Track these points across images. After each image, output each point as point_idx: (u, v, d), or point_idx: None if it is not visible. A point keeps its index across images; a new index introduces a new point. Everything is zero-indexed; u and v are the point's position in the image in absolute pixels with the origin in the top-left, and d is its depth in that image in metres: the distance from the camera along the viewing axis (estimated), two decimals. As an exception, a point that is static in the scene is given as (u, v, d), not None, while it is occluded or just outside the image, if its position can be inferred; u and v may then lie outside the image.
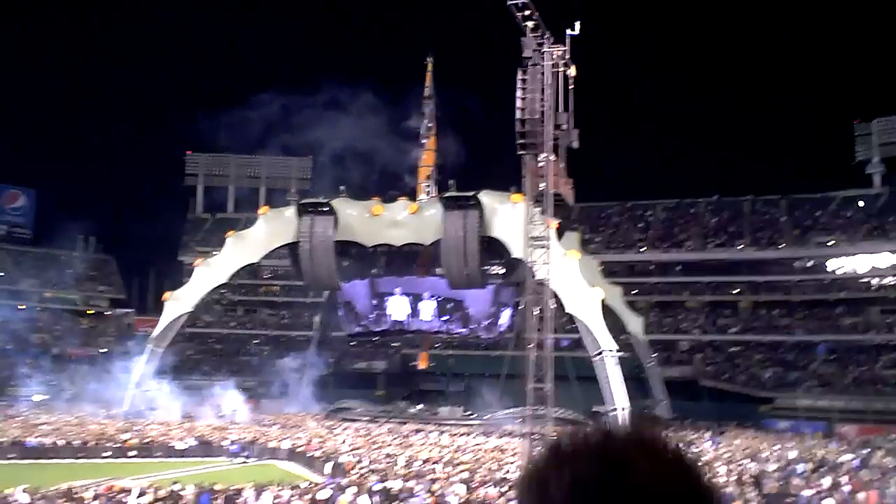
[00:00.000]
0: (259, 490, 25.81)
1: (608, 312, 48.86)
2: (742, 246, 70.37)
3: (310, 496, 24.63)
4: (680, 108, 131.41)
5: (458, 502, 24.54)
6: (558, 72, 31.92)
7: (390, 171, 70.87)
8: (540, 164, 29.56)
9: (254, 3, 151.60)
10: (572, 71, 32.49)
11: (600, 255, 64.96)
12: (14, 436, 41.09)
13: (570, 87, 32.54)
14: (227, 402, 55.45)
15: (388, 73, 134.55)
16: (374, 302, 59.86)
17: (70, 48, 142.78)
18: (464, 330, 58.77)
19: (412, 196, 60.79)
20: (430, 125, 67.18)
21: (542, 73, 31.17)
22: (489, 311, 57.62)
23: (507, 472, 31.52)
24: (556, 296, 39.87)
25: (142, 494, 25.10)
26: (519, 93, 31.55)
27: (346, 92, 72.69)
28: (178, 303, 55.67)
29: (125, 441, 41.72)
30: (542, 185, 28.78)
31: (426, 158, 66.78)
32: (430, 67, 68.78)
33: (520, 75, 32.03)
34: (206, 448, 41.54)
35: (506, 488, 27.79)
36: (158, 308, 63.48)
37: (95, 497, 24.53)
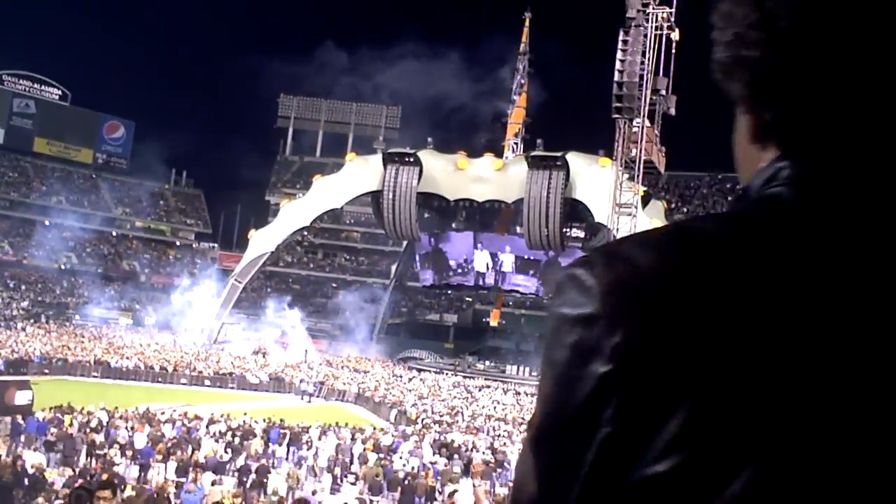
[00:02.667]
0: (324, 431, 26.32)
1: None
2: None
3: (373, 441, 24.98)
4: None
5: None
6: (661, 34, 30.84)
7: (479, 125, 70.50)
8: (634, 130, 28.71)
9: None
10: (676, 35, 31.35)
11: (685, 227, 63.33)
12: (99, 356, 42.89)
13: (673, 52, 31.50)
14: (301, 342, 56.69)
15: (484, 28, 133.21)
16: (453, 256, 59.93)
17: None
18: (539, 291, 58.44)
19: (499, 153, 60.30)
20: (522, 82, 66.33)
21: (645, 36, 30.15)
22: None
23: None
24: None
25: (213, 423, 25.90)
26: (619, 54, 30.61)
27: (440, 44, 72.43)
28: (262, 241, 56.79)
29: (201, 370, 43.13)
30: (633, 151, 27.97)
31: (516, 115, 66.04)
32: (527, 23, 67.69)
33: (622, 36, 31.05)
34: (277, 384, 42.62)
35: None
36: (242, 245, 65.10)
37: (169, 421, 25.41)
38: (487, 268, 59.00)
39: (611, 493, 0.70)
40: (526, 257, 57.23)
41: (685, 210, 73.05)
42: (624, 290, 0.71)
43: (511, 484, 0.73)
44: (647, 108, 29.30)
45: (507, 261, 58.31)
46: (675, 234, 0.76)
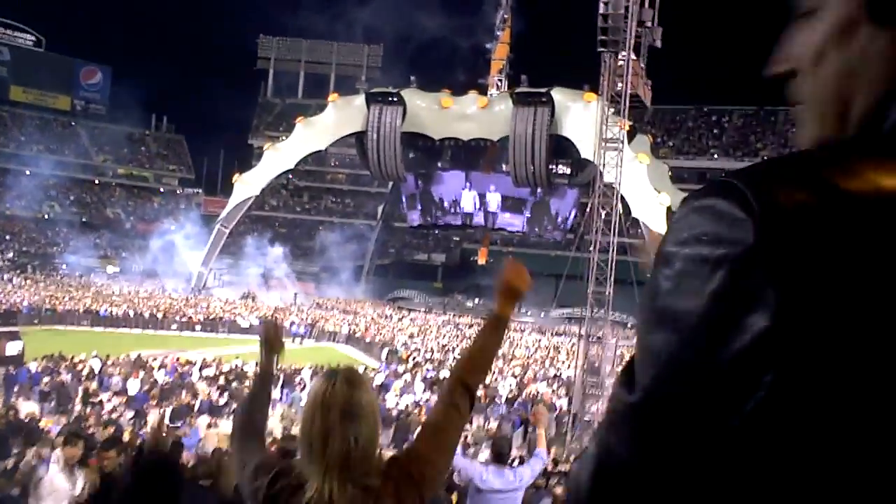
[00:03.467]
0: (316, 371, 26.55)
1: (674, 219, 47.89)
2: (820, 158, 67.77)
3: (365, 380, 25.23)
4: (768, 10, 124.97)
5: (507, 396, 24.90)
6: (644, -37, 30.33)
7: (462, 63, 69.66)
8: (619, 63, 28.39)
9: None
10: (659, -36, 30.83)
11: (671, 161, 63.38)
12: (87, 305, 42.87)
13: (656, -19, 30.97)
14: (289, 284, 56.79)
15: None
16: (440, 195, 59.81)
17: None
18: (525, 228, 58.57)
19: (483, 90, 59.69)
20: (505, 17, 65.31)
21: (628, -36, 29.63)
22: (552, 210, 57.15)
23: (559, 370, 31.84)
24: (622, 199, 39.20)
25: (205, 367, 26.07)
26: (603, -15, 30.13)
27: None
28: (246, 185, 56.40)
29: (191, 316, 43.22)
30: (619, 85, 27.72)
31: (499, 51, 65.16)
32: (508, -45, 66.34)
33: (604, -34, 30.53)
34: (267, 328, 42.75)
35: (556, 385, 28.13)
36: (226, 190, 64.65)
37: (162, 367, 25.55)
38: (475, 207, 58.96)
39: (747, 466, 0.56)
40: (513, 196, 57.18)
41: (671, 144, 72.99)
42: (793, 225, 0.55)
43: (592, 447, 0.67)
44: (632, 41, 28.95)
45: (494, 200, 58.25)
46: (837, 161, 0.59)
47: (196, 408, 19.32)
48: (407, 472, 2.16)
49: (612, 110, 28.75)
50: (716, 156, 71.18)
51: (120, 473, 6.85)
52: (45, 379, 21.65)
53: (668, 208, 46.52)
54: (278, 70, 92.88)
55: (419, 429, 2.67)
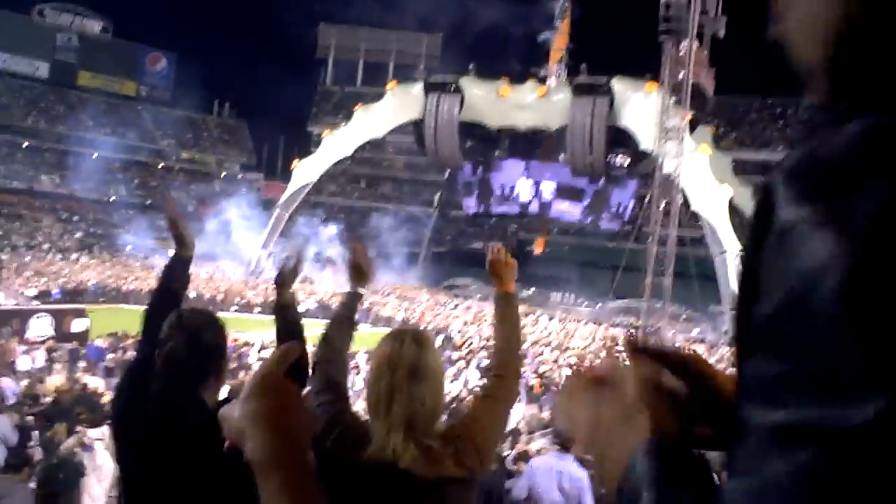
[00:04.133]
0: (370, 356, 26.75)
1: (736, 212, 47.05)
2: (889, 151, 65.79)
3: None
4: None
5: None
6: (710, -49, 29.81)
7: (521, 51, 69.20)
8: (681, 53, 27.98)
9: None
10: (725, -49, 30.29)
11: (734, 152, 62.13)
12: (151, 285, 43.85)
13: (722, -31, 30.46)
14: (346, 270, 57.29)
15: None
16: (497, 184, 59.68)
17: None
18: (583, 218, 58.09)
19: (542, 79, 59.27)
20: (565, 5, 64.70)
21: (693, -48, 29.16)
22: (610, 200, 56.56)
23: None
24: (682, 191, 38.63)
25: (263, 349, 26.51)
26: (666, -27, 29.72)
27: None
28: (305, 172, 57.03)
29: (250, 298, 43.97)
30: (681, 75, 27.31)
31: (559, 41, 64.60)
32: (570, -57, 65.65)
33: (668, -46, 30.08)
34: (324, 310, 43.28)
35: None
36: (286, 175, 65.45)
37: (221, 347, 25.99)
38: (531, 196, 58.68)
39: None
40: (570, 185, 56.73)
41: (733, 136, 71.52)
42: None
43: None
44: (695, 30, 28.49)
45: (549, 188, 57.85)
46: None
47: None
48: (469, 437, 2.19)
49: (673, 100, 28.37)
50: (780, 148, 69.59)
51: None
52: (110, 355, 22.26)
53: (731, 201, 45.66)
54: (338, 58, 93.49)
55: (473, 400, 2.74)
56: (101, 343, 23.79)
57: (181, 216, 3.72)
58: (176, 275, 3.72)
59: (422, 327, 38.00)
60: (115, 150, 75.96)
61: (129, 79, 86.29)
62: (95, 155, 74.54)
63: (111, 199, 73.69)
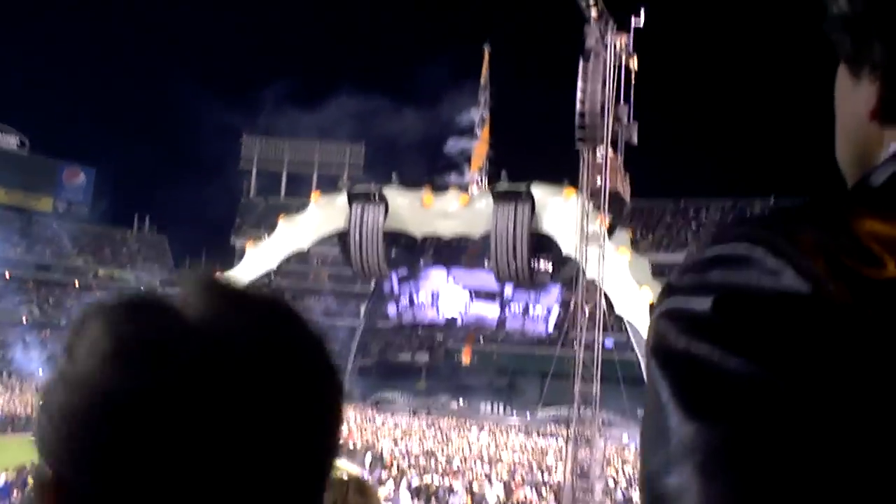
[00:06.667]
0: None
1: (658, 314, 47.59)
2: (800, 250, 68.15)
3: (346, 489, 24.18)
4: (740, 104, 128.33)
5: (496, 502, 23.92)
6: (619, 63, 30.86)
7: (442, 159, 70.41)
8: (598, 160, 28.55)
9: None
10: (634, 62, 31.39)
11: (651, 254, 63.47)
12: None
13: (632, 80, 31.51)
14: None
15: (446, 61, 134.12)
16: (422, 293, 59.36)
17: (129, 22, 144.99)
18: (510, 326, 57.99)
19: (464, 187, 60.09)
20: (484, 115, 66.44)
21: (604, 64, 30.12)
22: (535, 307, 56.71)
23: (549, 474, 30.80)
24: (605, 295, 38.86)
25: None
26: (580, 83, 30.52)
27: (400, 80, 72.50)
28: (227, 286, 55.69)
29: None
30: (599, 181, 27.78)
31: (479, 149, 66.01)
32: (486, 55, 67.98)
33: (581, 65, 31.02)
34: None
35: (545, 491, 27.08)
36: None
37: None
38: (456, 303, 58.48)
39: None
40: (493, 292, 56.81)
41: (650, 237, 73.31)
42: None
43: None
44: (609, 137, 29.22)
45: (474, 295, 57.82)
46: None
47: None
48: None
49: (591, 206, 28.73)
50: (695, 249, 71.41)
51: None
52: (15, 491, 20.61)
53: (651, 304, 46.16)
54: (261, 169, 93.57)
55: None
56: (4, 478, 21.99)
57: None
58: None
59: (350, 446, 36.68)
60: (27, 268, 73.33)
61: (45, 194, 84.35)
62: (8, 274, 71.79)
63: (25, 321, 70.61)
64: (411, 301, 59.55)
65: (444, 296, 58.61)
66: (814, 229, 0.57)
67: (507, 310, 57.53)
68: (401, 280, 59.26)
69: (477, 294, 57.70)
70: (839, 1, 0.67)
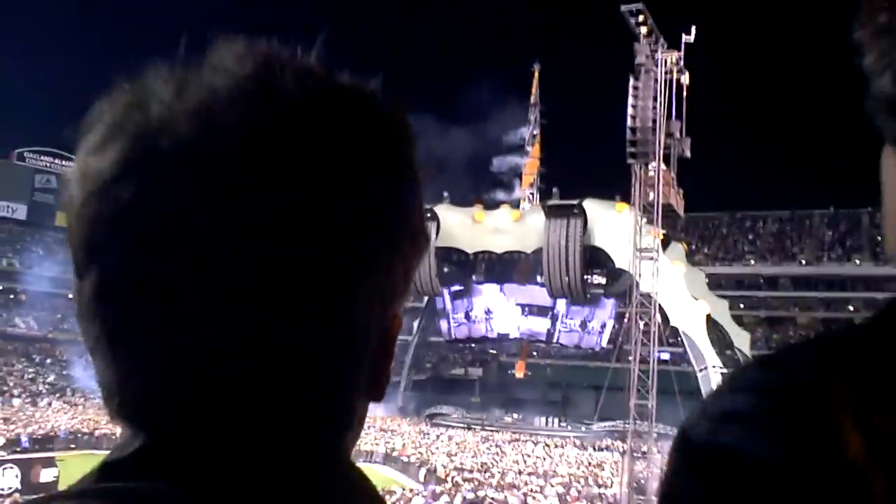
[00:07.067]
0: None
1: (714, 327, 47.22)
2: (859, 261, 66.89)
3: (404, 503, 24.55)
4: (795, 115, 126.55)
5: (553, 517, 24.04)
6: (671, 78, 30.98)
7: (494, 178, 70.84)
8: (650, 174, 28.66)
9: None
10: (686, 78, 31.48)
11: (707, 268, 62.85)
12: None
13: (684, 95, 31.60)
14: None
15: (495, 80, 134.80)
16: (475, 309, 59.66)
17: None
18: (564, 340, 57.92)
19: (515, 204, 60.36)
20: (535, 133, 66.72)
21: (655, 80, 30.26)
22: (590, 321, 56.60)
23: (604, 487, 30.78)
24: (660, 308, 38.78)
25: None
26: (631, 100, 30.72)
27: (452, 97, 73.33)
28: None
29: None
30: (651, 195, 27.87)
31: (530, 166, 66.28)
32: (536, 74, 68.33)
33: (632, 82, 31.21)
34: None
35: (602, 505, 27.12)
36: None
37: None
38: (509, 319, 58.62)
39: None
40: (547, 307, 56.82)
41: (705, 250, 72.61)
42: None
43: None
44: (661, 152, 29.30)
45: (527, 310, 57.84)
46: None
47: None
48: None
49: (644, 220, 28.81)
50: (752, 261, 70.58)
51: None
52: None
53: (708, 316, 45.85)
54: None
55: None
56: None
57: None
58: None
59: (404, 459, 37.10)
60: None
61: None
62: (70, 295, 73.86)
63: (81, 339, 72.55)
64: (467, 317, 59.88)
65: (497, 311, 58.81)
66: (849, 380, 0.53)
67: (560, 324, 57.49)
68: (454, 296, 59.64)
69: (530, 310, 57.76)
70: (882, 80, 0.61)
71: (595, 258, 50.79)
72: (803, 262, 68.98)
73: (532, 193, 63.86)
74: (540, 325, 58.17)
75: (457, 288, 59.46)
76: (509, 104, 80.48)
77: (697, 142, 34.01)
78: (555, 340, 58.58)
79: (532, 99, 67.38)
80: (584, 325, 56.85)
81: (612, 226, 47.10)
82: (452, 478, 31.89)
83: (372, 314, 0.69)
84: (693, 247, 67.07)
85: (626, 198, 37.82)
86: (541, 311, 57.56)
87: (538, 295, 55.90)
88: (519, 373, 65.68)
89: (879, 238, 69.83)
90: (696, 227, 74.54)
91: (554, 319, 57.56)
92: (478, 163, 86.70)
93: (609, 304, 55.69)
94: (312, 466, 0.66)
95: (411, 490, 28.94)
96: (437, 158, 68.74)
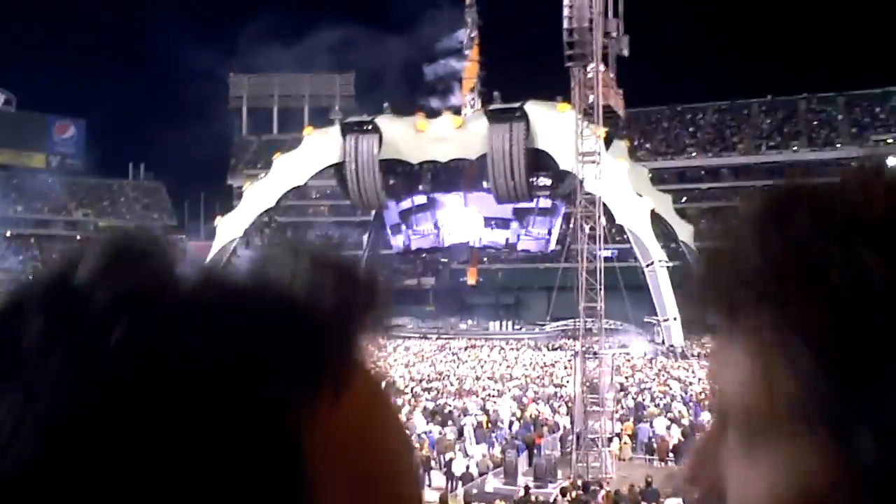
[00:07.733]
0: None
1: (658, 221, 48.07)
2: (797, 147, 68.16)
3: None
4: (730, 5, 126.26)
5: (510, 419, 24.59)
6: (605, -24, 30.54)
7: (434, 85, 69.85)
8: (589, 76, 28.42)
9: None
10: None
11: (649, 163, 63.56)
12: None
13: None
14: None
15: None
16: (422, 219, 59.67)
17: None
18: (512, 243, 58.47)
19: (457, 110, 59.78)
20: (472, 35, 65.59)
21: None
22: (537, 223, 57.10)
23: (560, 388, 31.59)
24: (604, 206, 39.19)
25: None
26: (567, 0, 30.26)
27: (384, 4, 71.42)
28: (229, 227, 56.19)
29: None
30: (591, 97, 27.72)
31: (469, 70, 65.40)
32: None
33: (566, -19, 30.68)
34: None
35: (557, 404, 27.87)
36: (210, 233, 64.33)
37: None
38: (457, 226, 58.75)
39: None
40: (495, 211, 57.01)
41: (647, 145, 73.22)
42: None
43: None
44: (600, 52, 29.05)
45: (474, 217, 57.93)
46: None
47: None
48: None
49: (586, 122, 28.74)
50: (693, 154, 71.48)
51: None
52: None
53: (652, 211, 46.59)
54: (252, 107, 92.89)
55: None
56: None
57: None
58: None
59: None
60: (27, 225, 73.58)
61: (37, 150, 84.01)
62: (9, 233, 72.10)
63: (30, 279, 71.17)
64: (411, 227, 59.82)
65: (444, 220, 58.74)
66: None
67: (508, 229, 57.86)
68: (399, 207, 59.40)
69: (482, 218, 57.69)
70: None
71: (539, 160, 50.90)
72: (743, 151, 70.04)
73: (473, 99, 63.25)
74: (501, 236, 58.45)
75: (403, 199, 59.14)
76: (444, 5, 78.94)
77: (636, 38, 33.90)
78: (514, 250, 59.00)
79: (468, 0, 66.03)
80: (531, 227, 57.33)
81: (556, 127, 47.02)
82: (412, 388, 32.43)
83: None
84: (635, 142, 67.49)
85: (568, 99, 37.72)
86: (499, 221, 57.67)
87: (485, 200, 55.88)
88: (471, 279, 66.41)
89: (816, 123, 71.12)
90: (637, 123, 74.87)
91: (510, 227, 57.77)
92: (416, 69, 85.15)
93: (555, 206, 56.18)
94: None
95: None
96: (376, 66, 67.53)
